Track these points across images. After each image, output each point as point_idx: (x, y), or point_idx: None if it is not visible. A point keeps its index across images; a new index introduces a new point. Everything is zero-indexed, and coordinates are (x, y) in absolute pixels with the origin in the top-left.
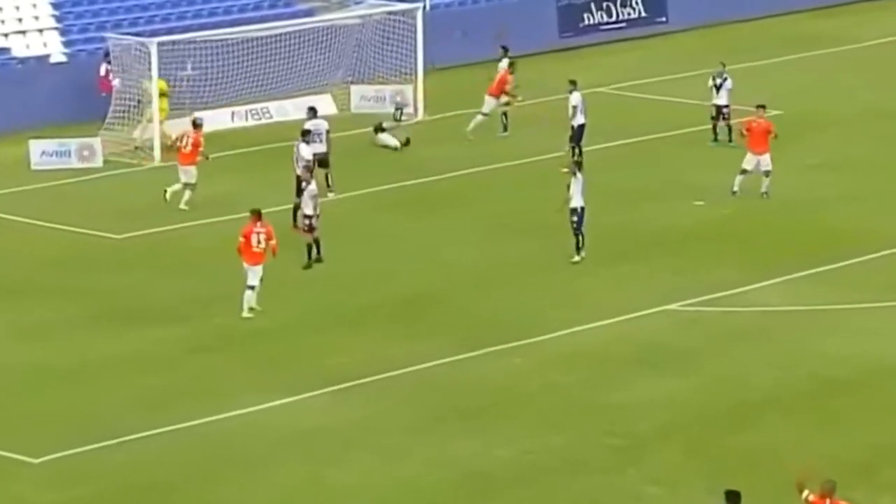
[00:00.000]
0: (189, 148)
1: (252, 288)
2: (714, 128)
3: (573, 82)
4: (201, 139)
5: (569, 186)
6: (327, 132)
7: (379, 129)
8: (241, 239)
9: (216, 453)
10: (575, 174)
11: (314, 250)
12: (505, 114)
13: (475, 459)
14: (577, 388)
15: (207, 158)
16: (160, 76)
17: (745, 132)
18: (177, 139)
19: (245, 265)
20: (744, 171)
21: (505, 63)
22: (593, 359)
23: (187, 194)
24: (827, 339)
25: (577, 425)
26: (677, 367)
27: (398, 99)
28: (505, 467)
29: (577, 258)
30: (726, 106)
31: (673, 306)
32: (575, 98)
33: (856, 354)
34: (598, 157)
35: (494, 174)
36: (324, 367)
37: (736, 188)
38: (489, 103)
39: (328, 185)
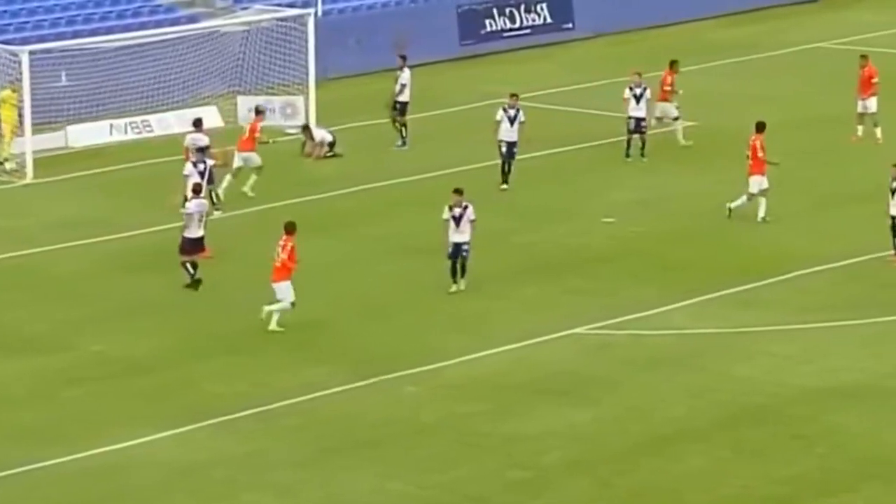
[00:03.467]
0: (246, 134)
1: (291, 304)
2: (628, 142)
3: (515, 95)
4: (258, 125)
5: (457, 219)
6: (207, 147)
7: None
8: None
9: (94, 490)
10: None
11: (194, 270)
12: (405, 125)
13: (369, 495)
14: (477, 419)
15: (269, 142)
16: (7, 84)
17: (755, 156)
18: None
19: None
20: (751, 196)
21: (407, 75)
22: (494, 387)
23: (252, 178)
24: (741, 364)
25: (478, 458)
26: (584, 395)
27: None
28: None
29: (454, 288)
30: (644, 119)
31: (580, 330)
32: (522, 115)
33: (770, 380)
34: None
35: (390, 191)
36: (207, 397)
37: (763, 214)
38: (665, 109)
39: (213, 203)
